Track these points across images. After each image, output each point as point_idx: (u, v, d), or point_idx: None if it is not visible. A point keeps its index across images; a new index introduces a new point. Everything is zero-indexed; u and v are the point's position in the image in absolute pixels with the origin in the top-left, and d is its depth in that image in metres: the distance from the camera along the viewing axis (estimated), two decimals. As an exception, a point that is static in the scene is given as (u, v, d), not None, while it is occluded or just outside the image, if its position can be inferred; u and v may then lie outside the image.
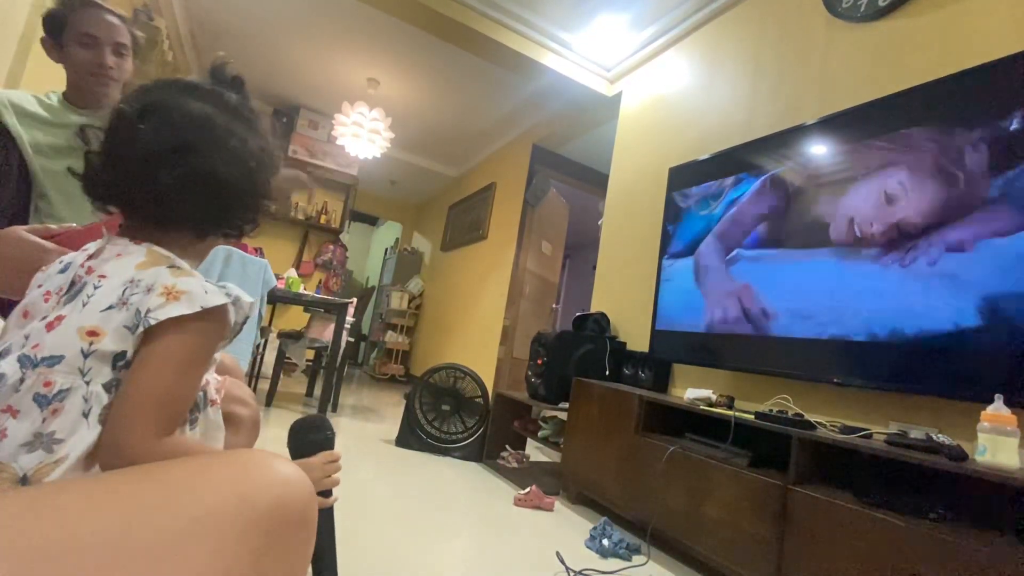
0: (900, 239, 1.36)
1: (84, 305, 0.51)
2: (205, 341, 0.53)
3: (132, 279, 0.52)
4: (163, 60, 3.25)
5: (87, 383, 0.48)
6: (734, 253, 1.83)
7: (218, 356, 0.61)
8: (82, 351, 0.48)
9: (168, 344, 0.50)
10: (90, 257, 0.56)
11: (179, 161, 0.55)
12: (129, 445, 0.47)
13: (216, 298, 0.52)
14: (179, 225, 0.58)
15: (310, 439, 0.77)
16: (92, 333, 0.49)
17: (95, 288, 0.51)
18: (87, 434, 0.47)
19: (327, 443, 0.78)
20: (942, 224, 1.29)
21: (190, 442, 0.55)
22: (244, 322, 0.58)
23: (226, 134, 0.58)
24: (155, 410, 0.48)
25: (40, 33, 1.19)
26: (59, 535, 0.35)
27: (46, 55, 1.20)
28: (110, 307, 0.50)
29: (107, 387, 0.49)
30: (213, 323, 0.53)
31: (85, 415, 0.48)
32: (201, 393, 0.60)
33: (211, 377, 0.62)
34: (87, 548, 0.35)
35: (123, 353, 0.50)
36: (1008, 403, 1.05)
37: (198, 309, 0.50)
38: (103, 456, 0.48)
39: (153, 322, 0.49)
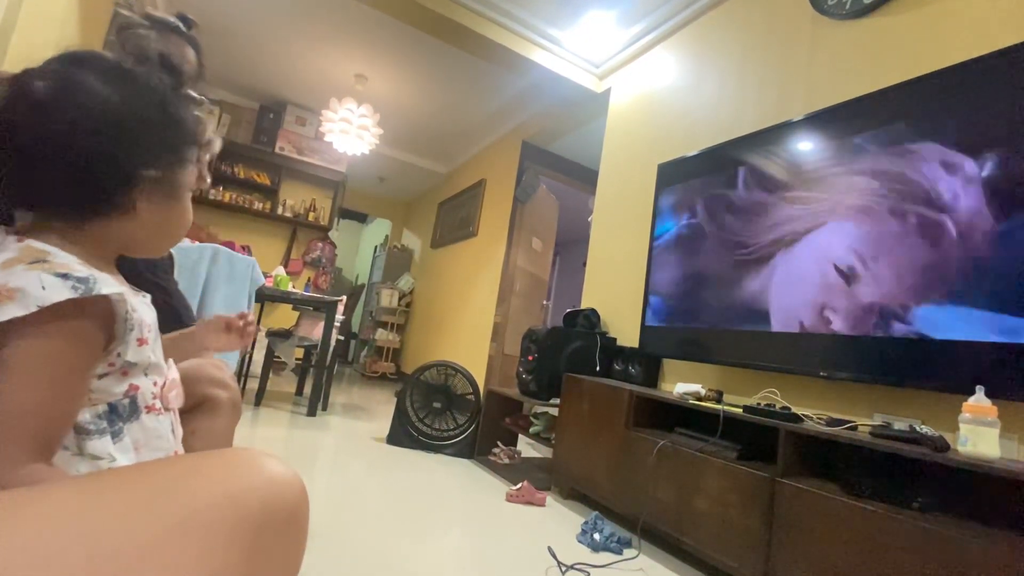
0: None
1: None
2: (63, 344, 0.45)
3: None
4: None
5: None
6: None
7: (133, 357, 0.53)
8: None
9: (13, 353, 0.43)
10: None
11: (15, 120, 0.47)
12: None
13: (55, 293, 0.43)
14: (42, 206, 0.50)
15: None
16: None
17: None
18: None
19: None
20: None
21: (59, 473, 0.46)
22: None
23: (70, 84, 0.49)
24: (4, 431, 0.41)
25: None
26: (38, 542, 0.34)
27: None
28: None
29: None
30: (72, 321, 0.45)
31: None
32: (126, 400, 0.53)
33: (143, 381, 0.55)
34: (69, 554, 0.34)
35: None
36: (989, 394, 1.08)
37: (34, 309, 0.42)
38: None
39: None
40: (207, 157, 0.65)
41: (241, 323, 0.80)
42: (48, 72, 0.49)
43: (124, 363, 0.52)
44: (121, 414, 0.53)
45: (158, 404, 0.57)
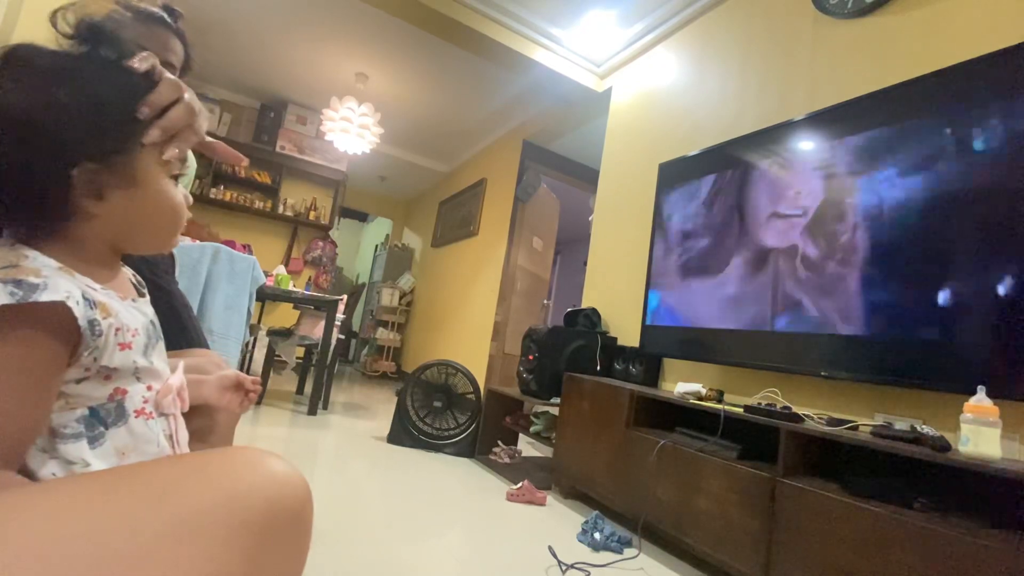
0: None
1: None
2: (10, 350, 0.44)
3: None
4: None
5: None
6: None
7: (111, 362, 0.51)
8: None
9: None
10: None
11: None
12: None
13: None
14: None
15: None
16: None
17: None
18: None
19: None
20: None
21: (20, 481, 0.45)
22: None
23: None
24: None
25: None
26: (38, 541, 0.34)
27: None
28: None
29: None
30: (20, 328, 0.44)
31: None
32: (111, 404, 0.52)
33: (133, 386, 0.54)
34: (68, 554, 0.34)
35: None
36: (990, 394, 1.07)
37: None
38: None
39: None
40: (181, 122, 0.55)
41: (251, 386, 0.77)
42: None
43: (102, 368, 0.50)
44: (104, 419, 0.51)
45: (149, 408, 0.56)
